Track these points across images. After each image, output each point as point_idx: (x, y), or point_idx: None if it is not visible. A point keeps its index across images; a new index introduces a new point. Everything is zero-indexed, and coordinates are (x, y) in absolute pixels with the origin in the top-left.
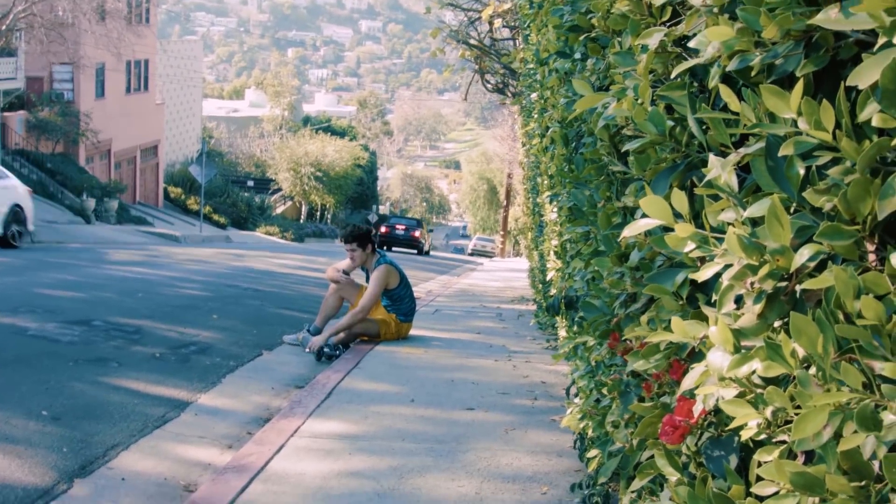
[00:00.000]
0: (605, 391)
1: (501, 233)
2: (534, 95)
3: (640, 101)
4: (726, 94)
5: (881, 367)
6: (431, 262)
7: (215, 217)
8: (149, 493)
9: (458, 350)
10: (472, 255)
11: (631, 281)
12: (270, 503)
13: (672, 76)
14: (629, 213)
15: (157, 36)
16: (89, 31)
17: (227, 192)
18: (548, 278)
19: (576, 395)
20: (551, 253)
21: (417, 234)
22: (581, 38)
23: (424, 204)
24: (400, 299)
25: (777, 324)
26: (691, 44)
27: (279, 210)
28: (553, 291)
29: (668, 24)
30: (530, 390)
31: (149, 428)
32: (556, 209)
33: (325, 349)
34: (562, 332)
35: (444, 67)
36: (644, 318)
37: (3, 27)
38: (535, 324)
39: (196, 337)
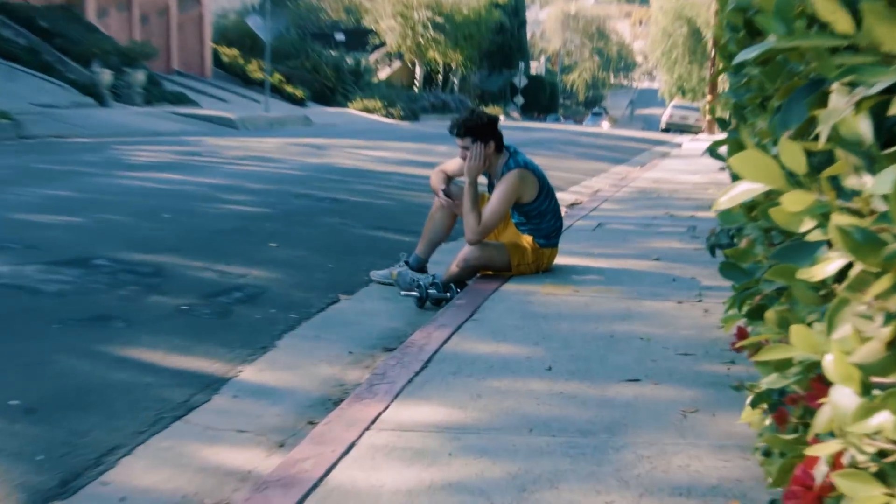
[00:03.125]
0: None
1: (709, 97)
2: None
3: None
4: (828, 10)
5: None
6: (606, 143)
7: (289, 89)
8: None
9: (624, 287)
10: (666, 130)
11: (765, 249)
12: None
13: None
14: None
15: None
16: None
17: (306, 52)
18: None
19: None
20: None
21: None
22: None
23: (597, 57)
24: (540, 216)
25: None
26: None
27: (383, 75)
28: None
29: None
30: (726, 348)
31: (165, 420)
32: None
33: (431, 290)
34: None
35: None
36: (770, 315)
37: None
38: None
39: (243, 277)
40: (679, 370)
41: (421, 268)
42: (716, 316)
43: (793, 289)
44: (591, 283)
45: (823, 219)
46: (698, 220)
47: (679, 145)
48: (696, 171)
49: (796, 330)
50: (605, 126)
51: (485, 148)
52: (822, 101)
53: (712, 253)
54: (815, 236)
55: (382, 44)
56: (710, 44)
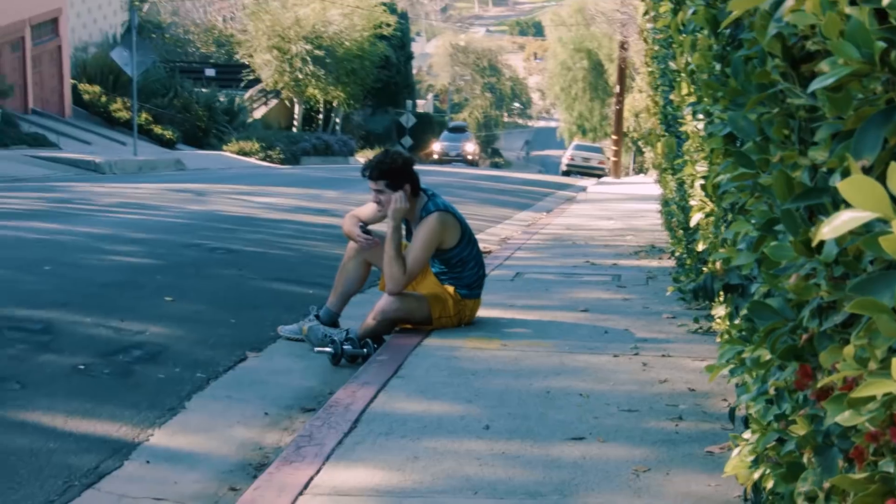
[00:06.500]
0: (792, 430)
1: (614, 137)
2: None
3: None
4: None
5: None
6: (506, 188)
7: (157, 130)
8: None
9: (554, 341)
10: (567, 173)
11: (828, 284)
12: None
13: None
14: (820, 176)
15: None
16: None
17: (175, 90)
18: (692, 223)
19: (745, 425)
20: (696, 184)
21: None
22: None
23: (489, 94)
24: (462, 263)
25: None
26: None
27: (258, 114)
28: (701, 246)
29: None
30: (671, 404)
31: (76, 488)
32: (701, 125)
33: (346, 346)
34: (719, 311)
35: None
36: (849, 350)
37: None
38: (675, 291)
39: (141, 334)
40: (625, 427)
41: (333, 322)
42: (654, 371)
43: (876, 322)
44: (519, 337)
45: None
46: (621, 269)
47: (584, 189)
48: (609, 217)
49: None
50: (469, 149)
51: (399, 191)
52: None
53: (696, 297)
54: None
55: (258, 80)
56: (613, 78)
